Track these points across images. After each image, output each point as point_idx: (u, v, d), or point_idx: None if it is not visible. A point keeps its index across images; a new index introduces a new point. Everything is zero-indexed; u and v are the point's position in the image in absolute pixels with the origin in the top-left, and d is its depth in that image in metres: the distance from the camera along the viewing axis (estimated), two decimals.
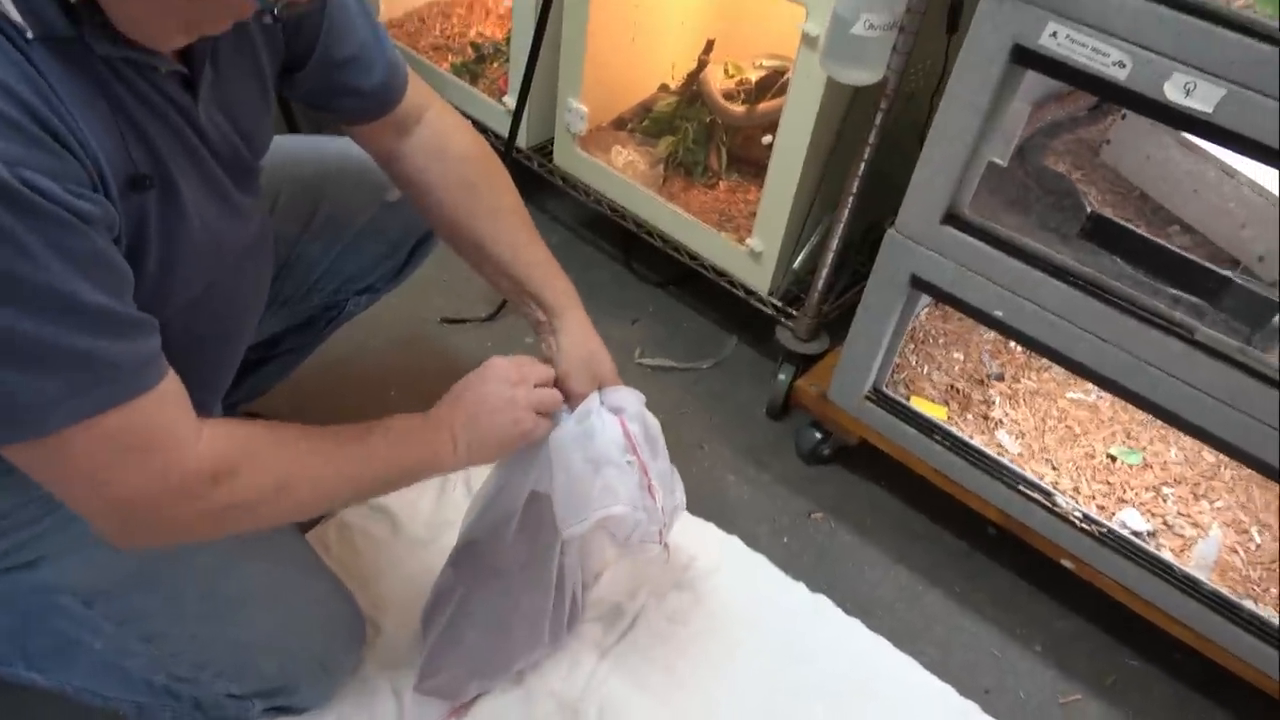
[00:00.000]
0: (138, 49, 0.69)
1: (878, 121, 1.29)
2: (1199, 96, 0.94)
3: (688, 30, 1.75)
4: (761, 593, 1.35)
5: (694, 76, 1.74)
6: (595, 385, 1.02)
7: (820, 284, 1.47)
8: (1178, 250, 1.16)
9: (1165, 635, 1.27)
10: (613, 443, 0.98)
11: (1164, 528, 1.32)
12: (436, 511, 1.37)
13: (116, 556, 0.85)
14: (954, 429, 1.39)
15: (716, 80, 1.69)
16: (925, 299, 1.42)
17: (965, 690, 1.28)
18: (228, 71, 0.82)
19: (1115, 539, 1.26)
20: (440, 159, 1.04)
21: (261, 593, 1.02)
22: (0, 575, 0.91)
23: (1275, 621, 1.19)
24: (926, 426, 1.38)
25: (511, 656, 1.17)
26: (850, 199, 1.36)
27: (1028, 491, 1.31)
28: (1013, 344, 1.55)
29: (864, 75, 1.22)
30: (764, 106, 1.64)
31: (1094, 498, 1.34)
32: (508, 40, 1.81)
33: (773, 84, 1.64)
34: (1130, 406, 1.36)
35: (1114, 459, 1.40)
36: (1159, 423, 1.39)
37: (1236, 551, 1.30)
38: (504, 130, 1.74)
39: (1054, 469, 1.37)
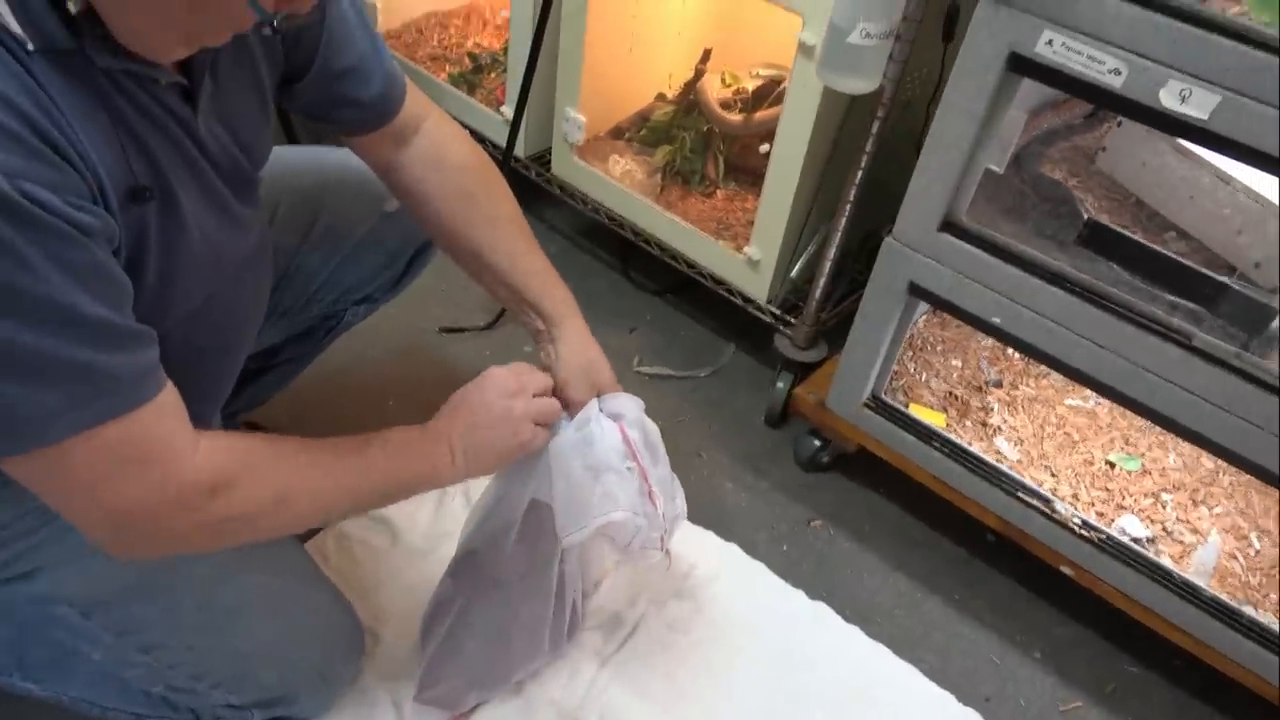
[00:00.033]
0: (138, 61, 0.69)
1: (874, 130, 1.29)
2: (1194, 103, 0.95)
3: (685, 40, 1.76)
4: (761, 600, 1.35)
5: (691, 86, 1.75)
6: (594, 393, 1.03)
7: (818, 292, 1.47)
8: (1174, 256, 1.17)
9: (1165, 642, 1.27)
10: (612, 449, 0.98)
11: (1163, 534, 1.32)
12: (435, 522, 1.37)
13: (115, 567, 0.84)
14: (952, 436, 1.39)
15: (714, 89, 1.69)
16: (923, 306, 1.43)
17: (965, 698, 1.28)
18: (227, 83, 0.82)
19: (1114, 545, 1.26)
20: (438, 169, 1.04)
21: (260, 603, 1.02)
22: None
23: (1275, 627, 1.19)
24: (925, 434, 1.38)
25: (511, 666, 1.17)
26: (848, 207, 1.36)
27: (1026, 498, 1.31)
28: (1011, 351, 1.55)
29: (861, 84, 1.22)
30: (761, 115, 1.64)
31: (1093, 504, 1.34)
32: (505, 50, 1.81)
33: (769, 93, 1.65)
34: (1128, 413, 1.36)
35: (1113, 465, 1.40)
36: (1157, 429, 1.39)
37: (1236, 557, 1.30)
38: (502, 140, 1.75)
39: (1053, 475, 1.38)
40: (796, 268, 1.54)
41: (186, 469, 0.76)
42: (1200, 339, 1.08)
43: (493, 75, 1.94)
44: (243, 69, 0.84)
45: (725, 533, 1.43)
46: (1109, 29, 0.97)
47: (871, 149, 1.30)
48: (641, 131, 1.77)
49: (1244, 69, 0.91)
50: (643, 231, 1.69)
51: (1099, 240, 1.19)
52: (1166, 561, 1.26)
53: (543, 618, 1.13)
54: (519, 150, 1.76)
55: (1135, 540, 1.29)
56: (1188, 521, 1.34)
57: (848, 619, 1.34)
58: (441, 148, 1.05)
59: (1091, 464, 1.40)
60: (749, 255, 1.54)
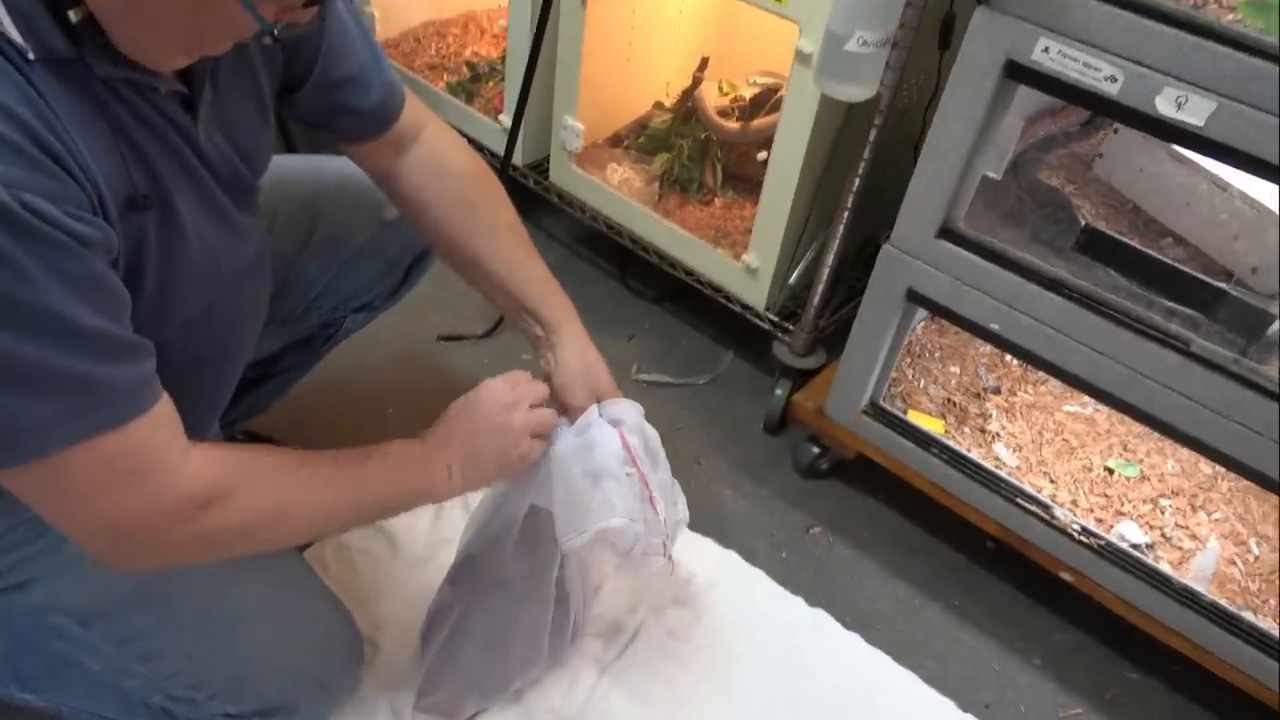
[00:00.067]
0: (138, 70, 0.69)
1: (872, 137, 1.29)
2: (1190, 110, 0.95)
3: (682, 49, 1.76)
4: (760, 607, 1.35)
5: (689, 94, 1.75)
6: (595, 398, 1.03)
7: (816, 299, 1.47)
8: (1172, 262, 1.17)
9: (1164, 647, 1.27)
10: (612, 455, 0.98)
11: (1162, 540, 1.32)
12: (434, 530, 1.37)
13: (113, 577, 0.84)
14: (951, 442, 1.39)
15: (711, 97, 1.70)
16: (921, 313, 1.43)
17: (965, 704, 1.28)
18: (227, 92, 0.82)
19: (1114, 551, 1.26)
20: (438, 177, 1.05)
21: (260, 612, 1.01)
22: None
23: (1275, 633, 1.19)
24: (924, 440, 1.38)
25: (510, 673, 1.17)
26: (845, 214, 1.37)
27: (1026, 504, 1.31)
28: (1009, 357, 1.56)
29: (858, 91, 1.23)
30: (758, 123, 1.64)
31: (1092, 510, 1.34)
32: (502, 59, 1.82)
33: (767, 101, 1.65)
34: (1127, 419, 1.36)
35: (1111, 472, 1.40)
36: (1156, 435, 1.39)
37: (1235, 563, 1.30)
38: (500, 148, 1.75)
39: (1051, 482, 1.38)
40: (795, 275, 1.55)
41: (181, 480, 0.76)
42: (1198, 345, 1.08)
43: (490, 84, 1.94)
44: (243, 77, 0.85)
45: (724, 540, 1.43)
46: (1105, 36, 0.98)
47: (869, 156, 1.31)
48: (639, 140, 1.78)
49: (1239, 75, 0.91)
50: (641, 239, 1.69)
51: (1096, 246, 1.20)
52: (1165, 567, 1.26)
53: (542, 623, 1.13)
54: (517, 159, 1.76)
55: (1134, 546, 1.29)
56: (1186, 527, 1.34)
57: (847, 626, 1.34)
58: (441, 156, 1.05)
59: (1090, 470, 1.40)
60: (747, 263, 1.54)
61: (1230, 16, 0.94)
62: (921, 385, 1.50)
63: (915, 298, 1.27)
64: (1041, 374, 1.51)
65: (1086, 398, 1.48)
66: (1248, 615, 1.21)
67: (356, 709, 1.15)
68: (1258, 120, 0.92)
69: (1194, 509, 1.37)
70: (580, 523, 0.97)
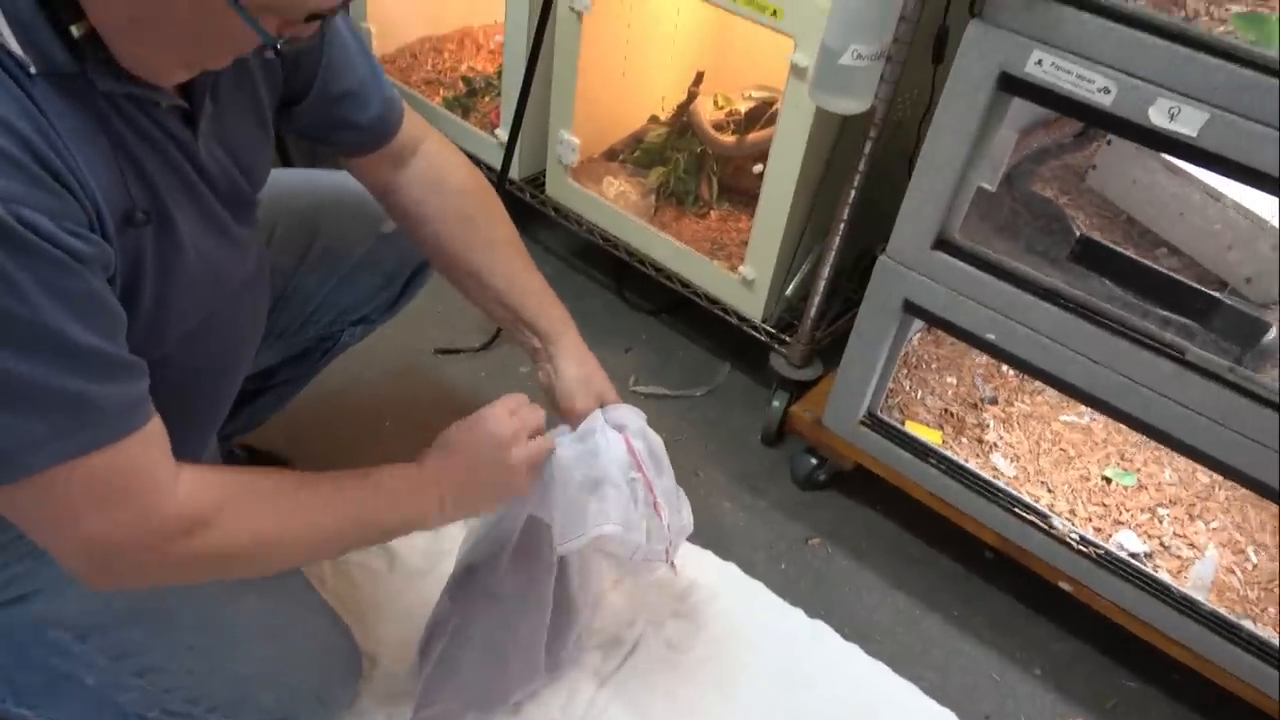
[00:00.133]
0: (140, 84, 0.69)
1: (867, 150, 1.30)
2: (1183, 121, 0.96)
3: (677, 63, 1.77)
4: (759, 619, 1.35)
5: (684, 108, 1.76)
6: (599, 403, 1.03)
7: (813, 311, 1.48)
8: (1166, 272, 1.18)
9: (1164, 656, 1.27)
10: (616, 461, 0.98)
11: (1160, 549, 1.32)
12: (433, 544, 1.36)
13: (111, 591, 0.84)
14: (949, 453, 1.39)
15: (706, 111, 1.71)
16: (918, 324, 1.43)
17: (965, 715, 1.27)
18: (227, 106, 0.82)
19: (1112, 561, 1.27)
20: (437, 191, 1.05)
21: (257, 627, 1.01)
22: None
23: (1274, 641, 1.19)
24: (921, 451, 1.39)
25: (508, 686, 1.16)
26: (841, 226, 1.37)
27: (1024, 514, 1.31)
28: (1005, 367, 1.56)
29: (852, 105, 1.23)
30: (754, 137, 1.65)
31: (1090, 520, 1.34)
32: (499, 74, 1.83)
33: (762, 114, 1.66)
34: (1124, 428, 1.37)
35: (1109, 481, 1.41)
36: (1153, 444, 1.40)
37: (1233, 572, 1.30)
38: (496, 162, 1.76)
39: (1049, 491, 1.38)
40: (791, 287, 1.55)
41: (170, 501, 0.75)
42: (1194, 354, 1.08)
43: (487, 99, 1.95)
44: (243, 92, 0.85)
45: (723, 552, 1.42)
46: (1098, 48, 0.99)
47: (864, 169, 1.31)
48: (635, 153, 1.78)
49: (1231, 86, 0.92)
50: (637, 252, 1.69)
51: (1091, 257, 1.21)
52: (1164, 576, 1.26)
53: (540, 635, 1.13)
54: (513, 173, 1.77)
55: (1133, 555, 1.29)
56: (1185, 536, 1.34)
57: (847, 637, 1.34)
58: (440, 170, 1.05)
59: (1088, 479, 1.40)
60: (743, 275, 1.54)
61: (1222, 28, 0.95)
62: (919, 396, 1.51)
63: (912, 309, 1.27)
64: (1038, 384, 1.51)
65: (1083, 407, 1.49)
66: (1247, 623, 1.21)
67: None
68: (1250, 130, 0.93)
69: (1192, 518, 1.37)
70: (578, 527, 0.97)
